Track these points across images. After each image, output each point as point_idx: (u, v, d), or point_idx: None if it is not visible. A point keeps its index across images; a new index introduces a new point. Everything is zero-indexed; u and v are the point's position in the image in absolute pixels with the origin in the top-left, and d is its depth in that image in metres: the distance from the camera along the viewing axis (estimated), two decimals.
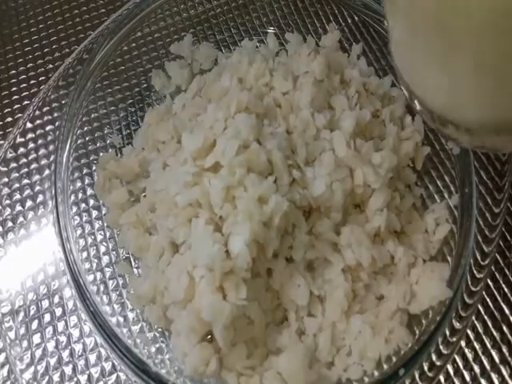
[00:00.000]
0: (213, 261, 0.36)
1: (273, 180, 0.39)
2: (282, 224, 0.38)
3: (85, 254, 0.44)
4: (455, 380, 0.40)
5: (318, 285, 0.40)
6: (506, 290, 0.44)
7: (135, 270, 0.45)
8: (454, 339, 0.38)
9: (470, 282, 0.40)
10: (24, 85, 0.57)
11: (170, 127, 0.48)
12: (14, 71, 0.58)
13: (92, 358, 0.42)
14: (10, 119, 0.55)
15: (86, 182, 0.48)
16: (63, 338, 0.42)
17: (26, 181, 0.49)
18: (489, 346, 0.41)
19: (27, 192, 0.49)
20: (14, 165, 0.50)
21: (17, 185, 0.49)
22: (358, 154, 0.41)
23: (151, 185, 0.45)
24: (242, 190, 0.38)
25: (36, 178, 0.50)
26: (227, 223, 0.38)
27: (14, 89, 0.57)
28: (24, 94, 0.56)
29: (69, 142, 0.46)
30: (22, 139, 0.51)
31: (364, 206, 0.42)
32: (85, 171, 0.48)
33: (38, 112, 0.51)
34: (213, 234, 0.37)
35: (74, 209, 0.45)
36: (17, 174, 0.50)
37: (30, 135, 0.51)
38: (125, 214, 0.45)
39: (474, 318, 0.42)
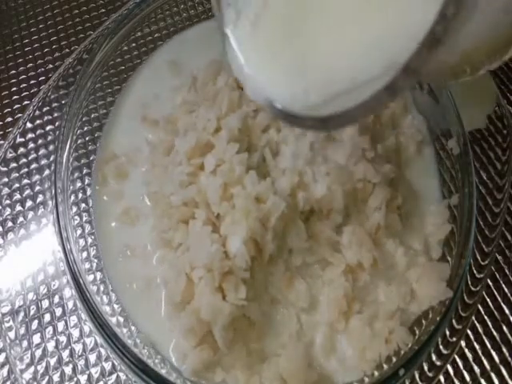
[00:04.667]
0: (211, 261, 0.36)
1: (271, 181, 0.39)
2: (278, 226, 0.38)
3: (85, 254, 0.44)
4: (455, 380, 0.40)
5: (318, 285, 0.40)
6: (506, 290, 0.44)
7: None
8: (454, 339, 0.38)
9: (470, 282, 0.40)
10: (24, 85, 0.57)
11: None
12: (13, 71, 0.58)
13: (92, 357, 0.42)
14: (10, 119, 0.55)
15: (86, 182, 0.48)
16: (63, 338, 0.42)
17: (25, 181, 0.49)
18: (489, 346, 0.41)
19: (27, 192, 0.49)
20: (13, 165, 0.50)
21: (17, 185, 0.49)
22: (358, 151, 0.41)
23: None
24: (240, 188, 0.38)
25: (36, 177, 0.50)
26: (225, 223, 0.38)
27: (14, 89, 0.57)
28: (24, 93, 0.56)
29: (69, 142, 0.46)
30: (22, 139, 0.51)
31: (365, 206, 0.42)
32: (85, 171, 0.48)
33: (38, 112, 0.51)
34: (211, 235, 0.38)
35: (74, 209, 0.45)
36: (17, 174, 0.50)
37: (30, 135, 0.51)
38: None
39: (473, 317, 0.42)
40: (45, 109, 0.52)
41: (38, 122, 0.52)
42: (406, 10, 0.24)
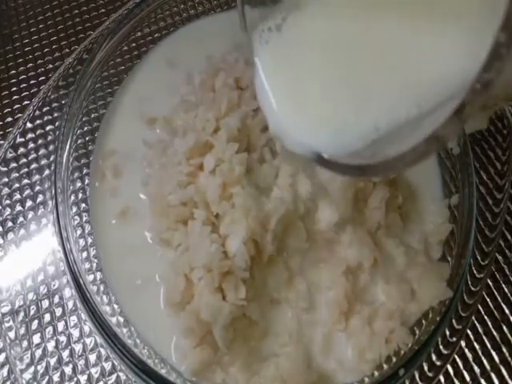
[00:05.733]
0: (211, 261, 0.36)
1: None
2: (278, 228, 0.38)
3: (85, 254, 0.44)
4: (455, 380, 0.40)
5: (317, 285, 0.40)
6: (506, 290, 0.44)
7: None
8: (454, 339, 0.38)
9: (470, 282, 0.40)
10: (24, 85, 0.57)
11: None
12: (13, 71, 0.58)
13: (92, 358, 0.42)
14: (10, 119, 0.55)
15: (86, 181, 0.48)
16: (63, 338, 0.42)
17: (26, 181, 0.49)
18: (489, 346, 0.41)
19: (27, 192, 0.49)
20: (13, 165, 0.50)
21: (17, 185, 0.49)
22: None
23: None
24: (240, 188, 0.38)
25: (36, 177, 0.50)
26: (224, 223, 0.38)
27: (14, 89, 0.57)
28: (24, 93, 0.56)
29: (69, 142, 0.46)
30: (22, 139, 0.51)
31: (365, 205, 0.42)
32: (85, 171, 0.48)
33: (38, 112, 0.51)
34: (210, 235, 0.38)
35: (74, 209, 0.45)
36: (17, 174, 0.50)
37: (30, 135, 0.51)
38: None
39: (473, 317, 0.42)
40: (45, 109, 0.52)
41: (37, 121, 0.52)
42: (446, 57, 0.24)
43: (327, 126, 0.29)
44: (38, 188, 0.49)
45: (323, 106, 0.30)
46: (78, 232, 0.45)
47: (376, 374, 0.38)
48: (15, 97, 0.56)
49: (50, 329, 0.43)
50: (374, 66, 0.28)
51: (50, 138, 0.51)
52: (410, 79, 0.26)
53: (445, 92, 0.24)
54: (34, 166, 0.50)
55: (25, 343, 0.42)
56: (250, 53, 0.34)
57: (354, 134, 0.28)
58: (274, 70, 0.33)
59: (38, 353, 0.42)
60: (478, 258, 0.41)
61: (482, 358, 0.41)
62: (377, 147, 0.27)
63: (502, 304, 0.43)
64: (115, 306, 0.41)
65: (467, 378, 0.40)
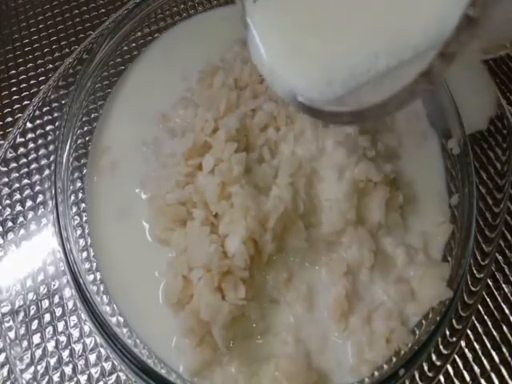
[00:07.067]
0: (210, 261, 0.36)
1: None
2: (277, 227, 0.38)
3: (85, 254, 0.44)
4: (455, 380, 0.40)
5: (317, 285, 0.40)
6: (506, 290, 0.44)
7: None
8: (454, 339, 0.38)
9: (470, 282, 0.40)
10: (24, 85, 0.57)
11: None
12: (13, 71, 0.58)
13: (92, 358, 0.42)
14: (10, 119, 0.55)
15: (86, 181, 0.48)
16: (63, 338, 0.42)
17: (26, 181, 0.49)
18: (489, 346, 0.41)
19: (27, 192, 0.49)
20: (13, 165, 0.50)
21: (17, 185, 0.49)
22: (360, 149, 0.42)
23: None
24: (239, 187, 0.38)
25: (36, 177, 0.50)
26: (223, 223, 0.38)
27: (14, 89, 0.57)
28: (24, 93, 0.56)
29: (69, 141, 0.46)
30: (22, 139, 0.51)
31: (365, 205, 0.42)
32: (85, 171, 0.48)
33: (38, 112, 0.51)
34: (209, 235, 0.38)
35: (74, 209, 0.45)
36: (17, 174, 0.50)
37: (30, 135, 0.51)
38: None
39: (473, 317, 0.42)
40: (45, 109, 0.52)
41: (37, 121, 0.52)
42: None
43: (309, 70, 0.30)
44: (38, 188, 0.49)
45: (306, 51, 0.31)
46: (78, 232, 0.45)
47: (376, 374, 0.38)
48: (15, 97, 0.56)
49: (49, 329, 0.43)
50: (355, 15, 0.29)
51: (50, 137, 0.51)
52: (392, 29, 0.27)
53: (425, 43, 0.24)
54: (34, 165, 0.50)
55: (25, 343, 0.42)
56: (243, 14, 0.35)
57: (336, 78, 0.29)
58: (263, 25, 0.34)
59: (38, 353, 0.42)
60: (478, 258, 0.41)
61: (482, 358, 0.41)
62: (361, 94, 0.28)
63: (502, 304, 0.43)
64: (115, 306, 0.41)
65: (467, 378, 0.40)
